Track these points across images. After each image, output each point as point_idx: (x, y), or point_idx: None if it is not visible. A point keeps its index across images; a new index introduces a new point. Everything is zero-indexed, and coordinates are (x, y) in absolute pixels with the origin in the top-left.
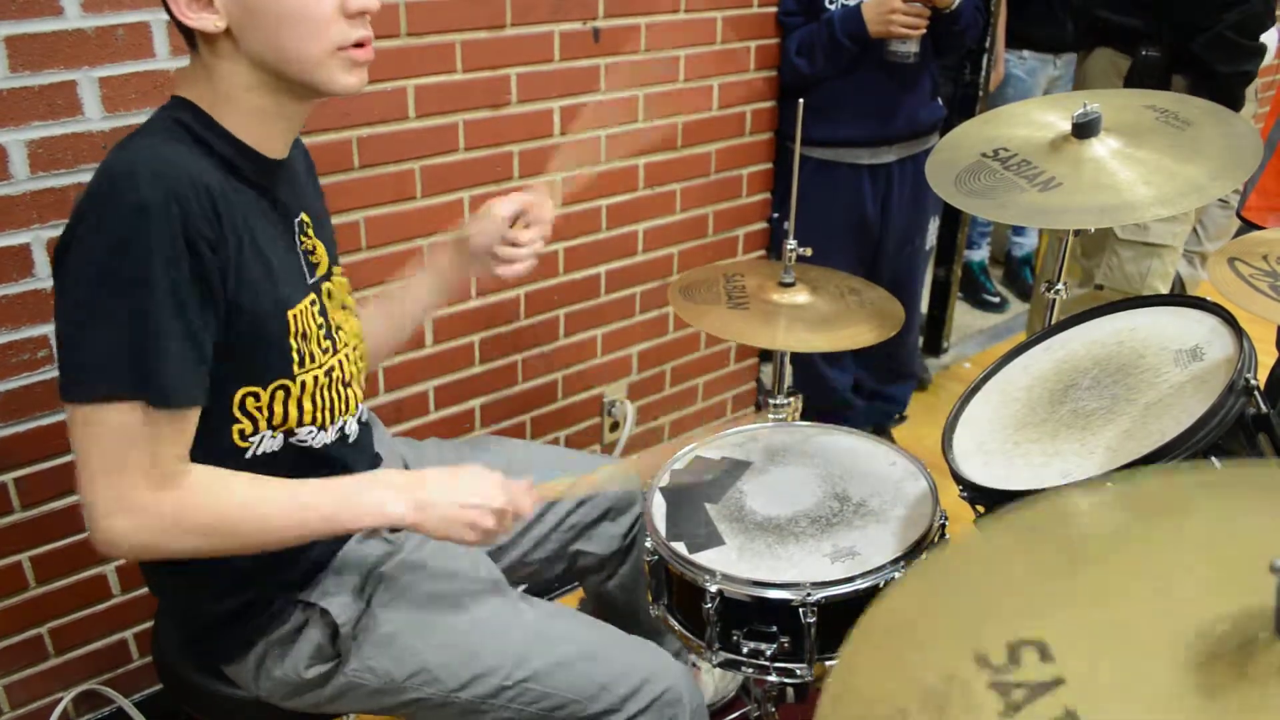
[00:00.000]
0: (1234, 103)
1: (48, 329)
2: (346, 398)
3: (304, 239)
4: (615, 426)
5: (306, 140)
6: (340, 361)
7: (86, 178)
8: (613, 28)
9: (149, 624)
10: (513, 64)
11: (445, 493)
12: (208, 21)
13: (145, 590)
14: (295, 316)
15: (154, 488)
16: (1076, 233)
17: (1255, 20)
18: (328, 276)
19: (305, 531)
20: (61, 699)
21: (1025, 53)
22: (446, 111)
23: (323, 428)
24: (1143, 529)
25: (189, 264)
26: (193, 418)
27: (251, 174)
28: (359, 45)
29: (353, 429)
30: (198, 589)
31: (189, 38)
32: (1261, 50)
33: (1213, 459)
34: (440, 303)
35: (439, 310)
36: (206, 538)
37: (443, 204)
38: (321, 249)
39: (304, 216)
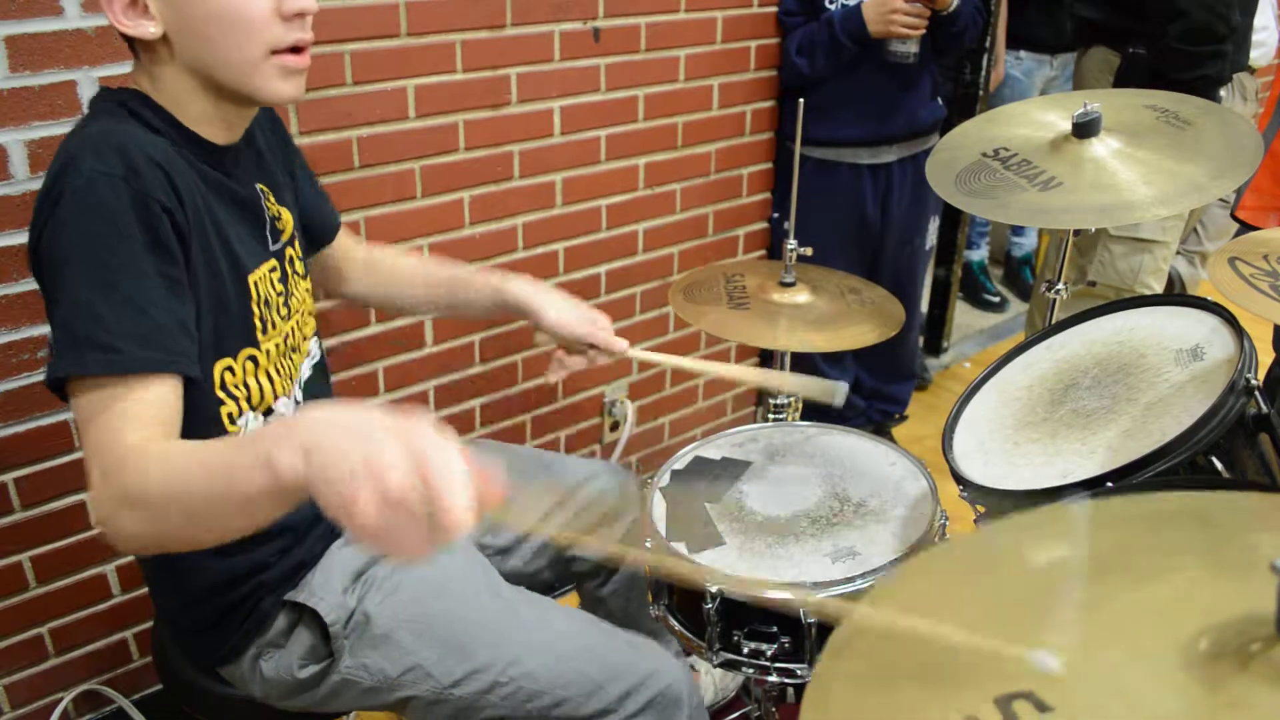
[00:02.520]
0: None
1: (48, 329)
2: (295, 363)
3: (268, 205)
4: (615, 426)
5: (306, 140)
6: (292, 328)
7: None
8: (613, 28)
9: (149, 624)
10: (513, 64)
11: (334, 436)
12: (144, 28)
13: (145, 590)
14: (256, 283)
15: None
16: (1076, 233)
17: (1203, 31)
18: (291, 243)
19: (230, 494)
20: (62, 699)
21: (1022, 53)
22: (446, 111)
23: (287, 396)
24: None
25: (147, 231)
26: (164, 386)
27: (201, 156)
28: (296, 51)
29: (299, 395)
30: (185, 589)
31: (130, 45)
32: (1222, 53)
33: (1212, 458)
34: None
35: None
36: (148, 512)
37: (443, 204)
38: (286, 214)
39: (261, 186)
